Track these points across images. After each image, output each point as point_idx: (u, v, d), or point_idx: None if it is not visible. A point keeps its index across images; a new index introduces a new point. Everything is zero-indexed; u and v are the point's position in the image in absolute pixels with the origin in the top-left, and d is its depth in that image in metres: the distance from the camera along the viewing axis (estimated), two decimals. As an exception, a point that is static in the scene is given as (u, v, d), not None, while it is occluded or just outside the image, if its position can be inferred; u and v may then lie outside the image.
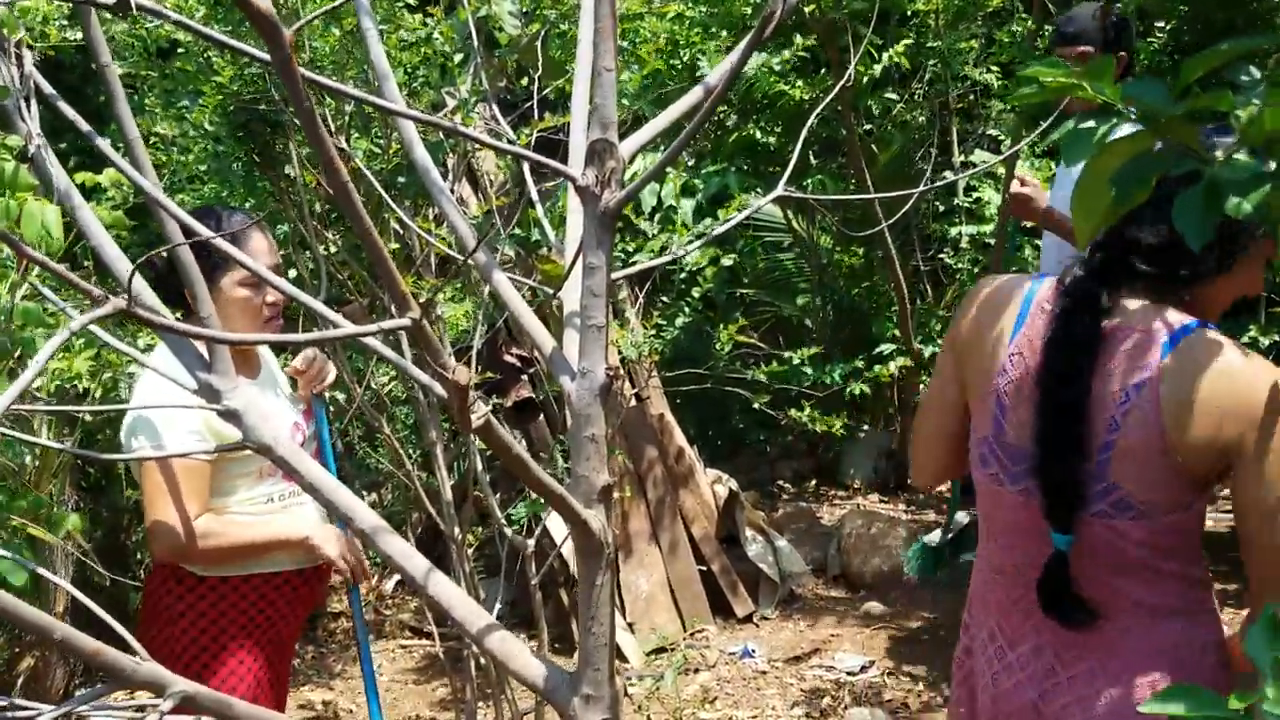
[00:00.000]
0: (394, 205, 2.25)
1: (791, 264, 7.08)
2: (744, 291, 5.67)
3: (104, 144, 1.68)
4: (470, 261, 1.97)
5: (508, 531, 2.89)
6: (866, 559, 4.83)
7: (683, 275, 4.18)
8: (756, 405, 2.62)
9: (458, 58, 2.63)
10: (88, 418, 4.14)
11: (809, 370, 5.12)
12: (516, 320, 1.96)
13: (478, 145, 2.82)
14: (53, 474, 4.11)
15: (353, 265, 2.85)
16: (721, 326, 3.01)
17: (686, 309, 3.35)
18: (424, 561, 1.73)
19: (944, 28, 5.80)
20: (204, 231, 1.44)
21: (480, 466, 2.97)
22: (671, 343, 3.43)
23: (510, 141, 2.78)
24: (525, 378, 3.44)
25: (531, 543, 3.02)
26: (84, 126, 1.63)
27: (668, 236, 3.15)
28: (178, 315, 2.12)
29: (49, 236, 1.78)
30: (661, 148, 4.26)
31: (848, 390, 5.32)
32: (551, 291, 2.14)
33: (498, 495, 3.10)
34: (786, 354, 3.36)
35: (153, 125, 2.64)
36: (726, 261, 3.85)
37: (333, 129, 2.55)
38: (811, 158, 6.77)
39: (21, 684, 3.86)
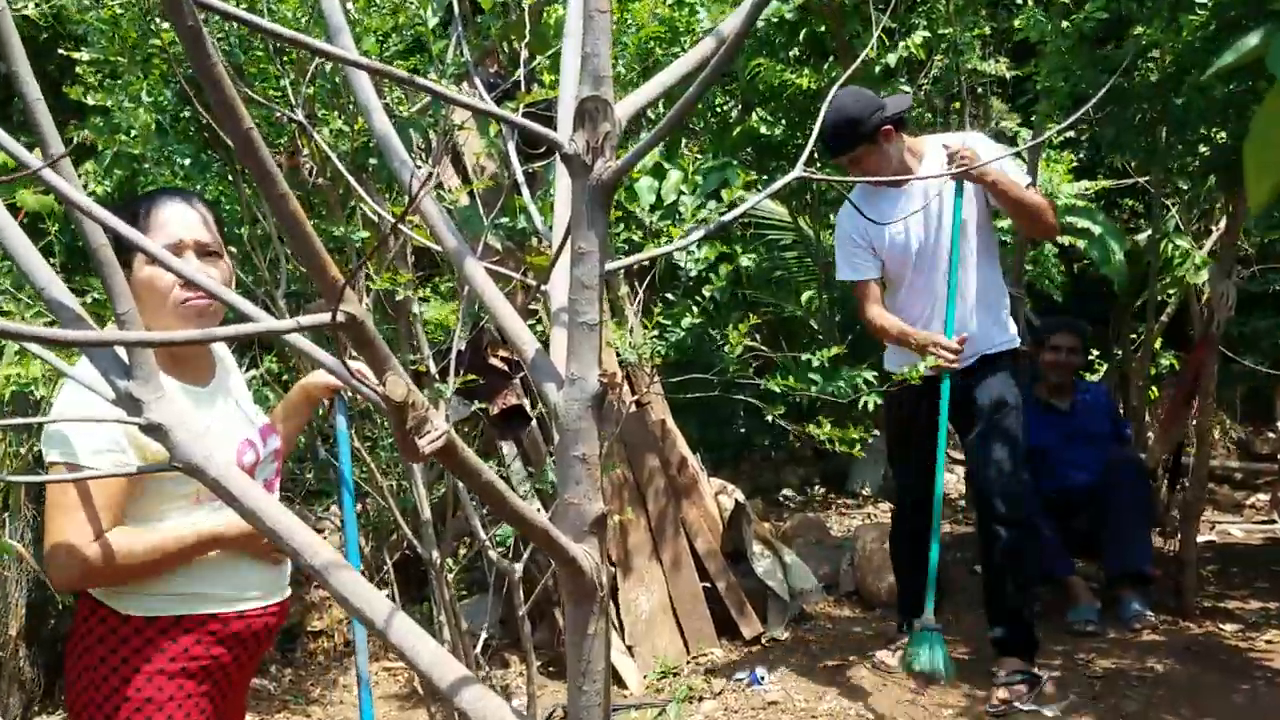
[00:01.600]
0: (360, 189, 1.95)
1: (794, 262, 6.79)
2: (745, 291, 5.35)
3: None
4: (440, 248, 1.67)
5: (493, 554, 2.59)
6: (881, 575, 4.52)
7: (692, 273, 3.89)
8: (771, 418, 2.33)
9: (433, 22, 2.32)
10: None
11: (818, 379, 4.83)
12: (493, 316, 1.67)
13: (451, 109, 2.52)
14: (1, 486, 3.82)
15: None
16: (731, 328, 2.71)
17: (695, 309, 3.04)
18: (384, 603, 1.43)
19: (954, 14, 5.51)
20: (100, 214, 1.14)
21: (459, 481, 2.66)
22: (676, 345, 3.12)
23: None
24: (515, 382, 3.13)
25: (519, 567, 2.72)
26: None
27: (667, 225, 2.85)
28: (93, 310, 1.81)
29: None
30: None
31: (861, 402, 5.03)
32: (537, 284, 1.84)
33: (483, 512, 2.81)
34: (804, 356, 3.04)
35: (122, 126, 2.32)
36: (745, 261, 3.54)
37: (295, 103, 2.24)
38: (808, 151, 6.48)
39: (-31, 715, 3.56)
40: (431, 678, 1.38)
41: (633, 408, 4.08)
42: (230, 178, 2.40)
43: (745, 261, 3.34)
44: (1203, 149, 3.83)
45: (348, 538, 2.12)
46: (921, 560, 3.59)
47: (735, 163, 6.00)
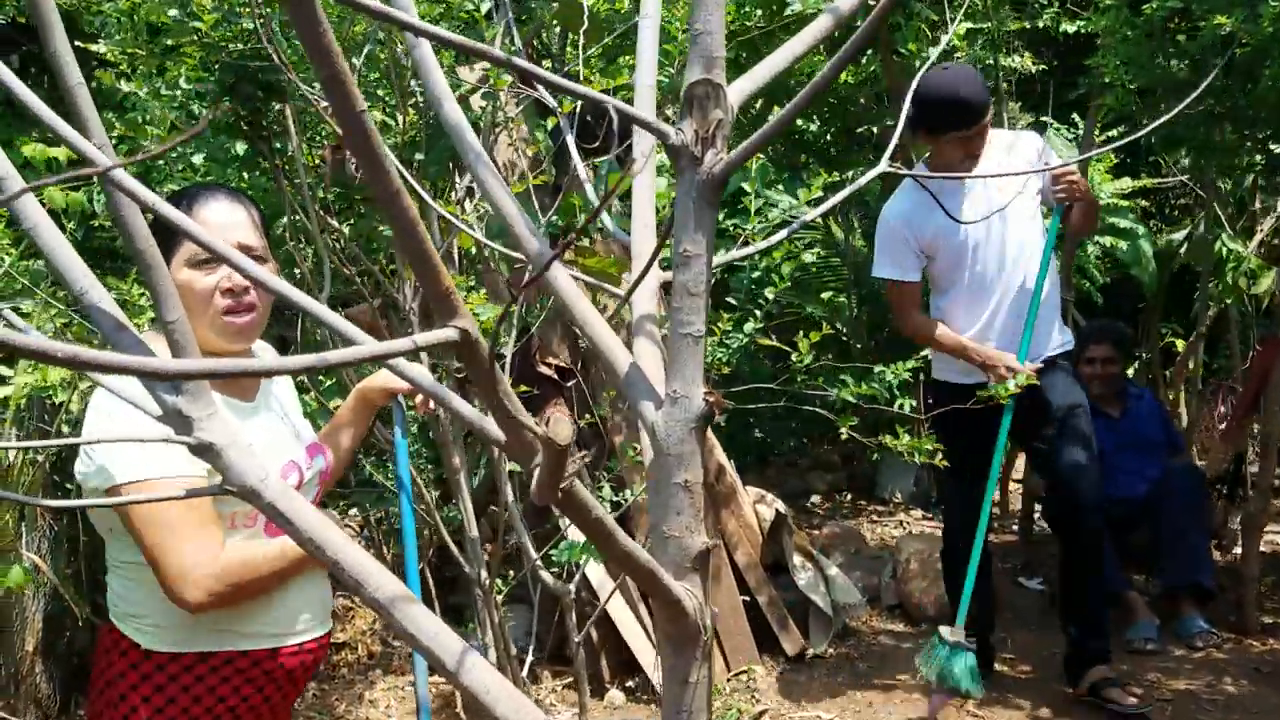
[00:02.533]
0: (416, 184, 1.79)
1: (819, 262, 6.62)
2: (767, 292, 5.17)
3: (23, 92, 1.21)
4: (497, 254, 1.51)
5: (546, 576, 2.43)
6: (928, 588, 4.36)
7: (754, 275, 3.71)
8: (844, 431, 2.17)
9: (485, 6, 2.16)
10: (65, 429, 3.70)
11: (849, 380, 4.66)
12: (583, 328, 1.50)
13: (505, 101, 2.35)
14: (22, 491, 3.66)
15: (363, 260, 2.37)
16: (801, 336, 2.54)
17: (758, 314, 2.87)
18: (456, 642, 1.27)
19: (991, 8, 5.34)
20: (153, 200, 0.98)
21: (512, 497, 2.50)
22: (739, 352, 2.96)
23: (549, 110, 2.32)
24: (560, 394, 2.97)
25: (572, 588, 2.56)
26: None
27: (732, 224, 2.69)
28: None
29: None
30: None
31: (898, 403, 4.86)
32: (615, 291, 1.68)
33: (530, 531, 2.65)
34: (878, 368, 2.87)
35: (142, 118, 2.16)
36: (808, 257, 3.36)
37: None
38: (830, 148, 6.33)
39: (-16, 737, 3.41)
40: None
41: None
42: (271, 172, 2.23)
43: (808, 257, 3.16)
44: (1275, 147, 3.66)
45: (407, 560, 1.96)
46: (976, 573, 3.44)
47: (764, 160, 5.85)
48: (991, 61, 5.65)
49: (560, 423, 0.86)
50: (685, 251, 1.34)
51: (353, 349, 0.81)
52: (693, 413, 1.36)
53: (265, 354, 1.97)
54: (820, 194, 2.93)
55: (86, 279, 1.33)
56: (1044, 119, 5.91)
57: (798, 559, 4.25)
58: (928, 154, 3.44)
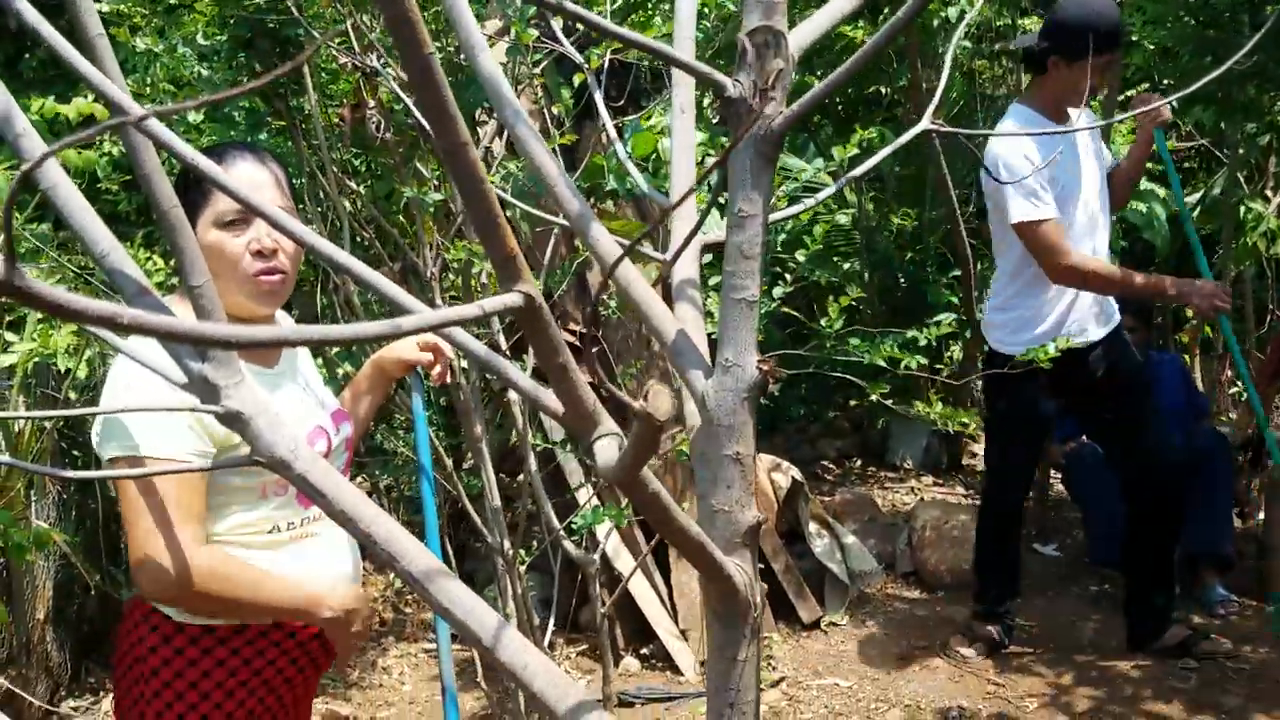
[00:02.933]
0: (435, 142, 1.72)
1: (832, 228, 6.53)
2: (799, 254, 5.09)
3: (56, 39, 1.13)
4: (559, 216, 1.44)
5: (569, 546, 2.38)
6: (944, 555, 4.33)
7: (781, 238, 3.63)
8: (875, 397, 2.12)
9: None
10: (71, 395, 3.64)
11: (854, 341, 4.60)
12: (625, 292, 1.44)
13: (527, 56, 2.26)
14: (30, 459, 3.60)
15: (382, 222, 2.30)
16: (831, 300, 2.48)
17: (787, 279, 2.80)
18: (492, 616, 1.21)
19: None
20: (185, 149, 0.91)
21: (535, 467, 2.45)
22: (765, 318, 2.89)
23: (576, 65, 2.23)
24: (582, 362, 2.90)
25: (597, 558, 2.51)
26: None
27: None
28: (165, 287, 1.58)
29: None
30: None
31: (902, 367, 4.79)
32: (656, 256, 1.61)
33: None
34: (909, 333, 2.80)
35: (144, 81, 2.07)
36: (842, 219, 3.26)
37: (357, 48, 2.00)
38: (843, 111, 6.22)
39: (-2, 703, 3.38)
40: (548, 701, 1.18)
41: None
42: (289, 131, 2.16)
43: (842, 219, 3.03)
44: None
45: (429, 534, 1.91)
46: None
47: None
48: (1009, 21, 5.55)
49: (660, 395, 0.80)
50: (741, 211, 1.27)
51: (423, 315, 0.75)
52: (746, 382, 1.31)
53: (285, 323, 1.91)
54: (856, 152, 2.84)
55: (108, 241, 1.27)
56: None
57: (813, 526, 4.21)
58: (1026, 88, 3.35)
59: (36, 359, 3.40)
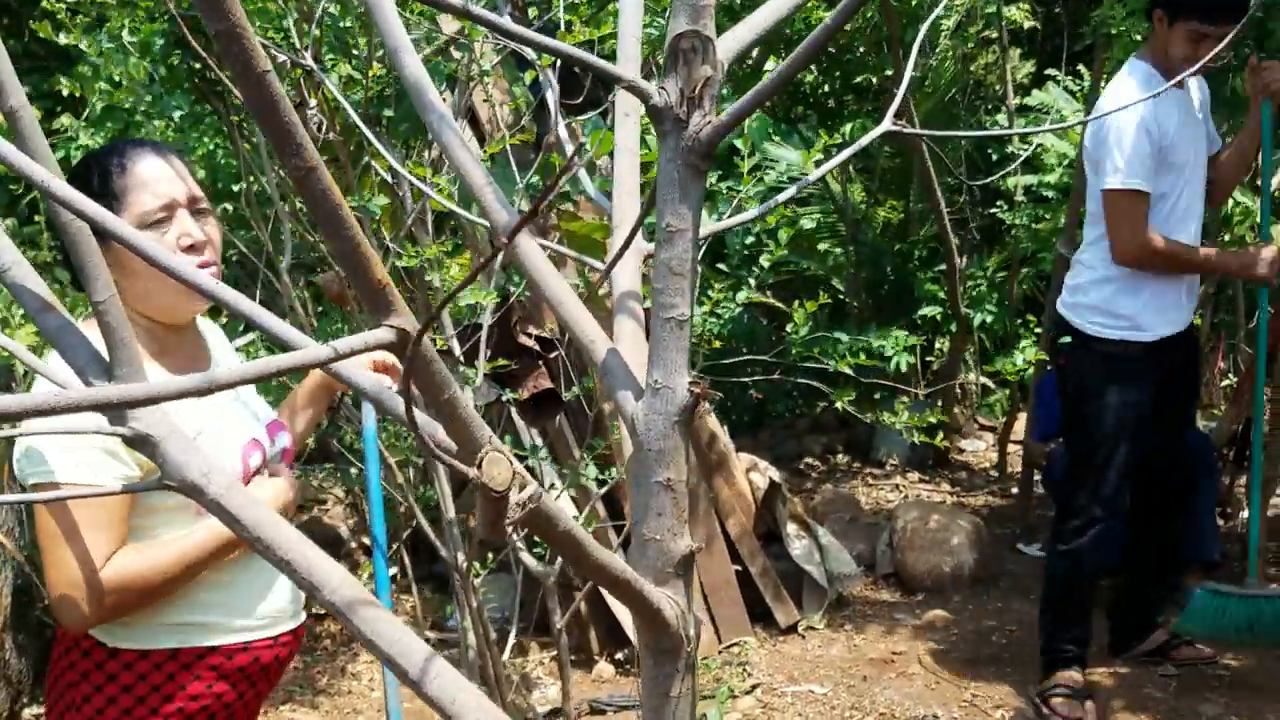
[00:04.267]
0: (379, 145, 1.64)
1: (819, 219, 6.45)
2: (763, 260, 5.00)
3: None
4: (472, 222, 1.36)
5: (528, 559, 2.30)
6: (923, 556, 4.26)
7: (749, 240, 3.54)
8: (840, 405, 2.03)
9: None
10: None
11: (844, 338, 4.52)
12: (555, 308, 1.36)
13: (479, 52, 2.18)
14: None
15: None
16: (796, 305, 2.39)
17: (753, 282, 2.70)
18: (420, 648, 1.14)
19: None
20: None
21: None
22: (731, 322, 2.81)
23: (529, 63, 2.15)
24: (543, 365, 2.83)
25: (555, 569, 2.43)
26: None
27: (724, 186, 2.53)
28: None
29: None
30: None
31: (892, 363, 4.72)
32: (594, 264, 1.53)
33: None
34: (876, 343, 2.71)
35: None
36: (806, 223, 3.15)
37: (299, 44, 1.91)
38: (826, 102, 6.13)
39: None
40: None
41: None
42: (226, 130, 2.07)
43: (807, 222, 2.91)
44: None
45: (376, 561, 1.83)
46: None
47: (761, 115, 5.65)
48: (994, 9, 5.45)
49: (496, 463, 0.72)
50: (669, 226, 1.20)
51: (294, 355, 0.67)
52: (676, 405, 1.23)
53: (211, 333, 1.83)
54: (821, 156, 2.74)
55: (10, 254, 1.19)
56: (1049, 72, 5.72)
57: (792, 528, 4.14)
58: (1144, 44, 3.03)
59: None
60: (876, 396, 4.90)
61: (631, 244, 1.38)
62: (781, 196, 1.50)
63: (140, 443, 1.17)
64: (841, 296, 6.28)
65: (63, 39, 1.87)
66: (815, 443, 6.59)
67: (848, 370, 2.32)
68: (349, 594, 1.12)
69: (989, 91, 6.26)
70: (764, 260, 2.55)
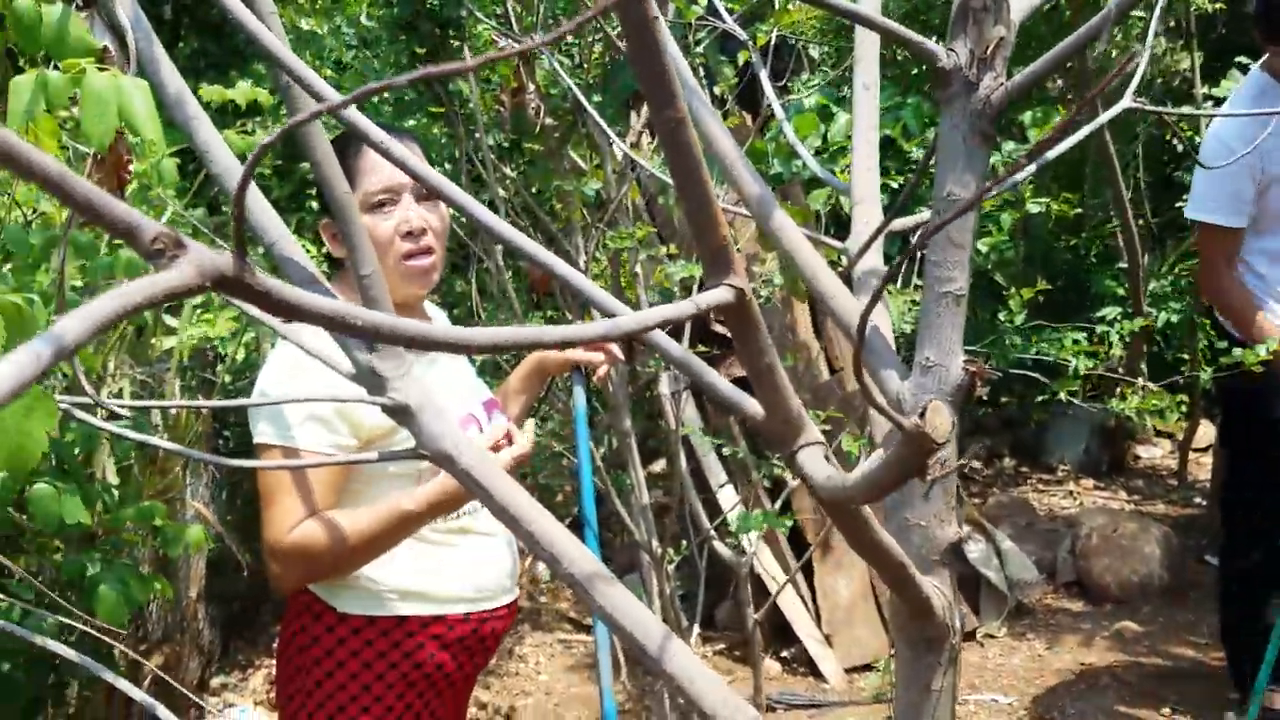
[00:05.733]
0: (601, 122, 1.63)
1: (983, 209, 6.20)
2: (980, 244, 4.79)
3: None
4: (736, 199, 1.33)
5: (722, 549, 2.27)
6: (1111, 565, 4.06)
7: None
8: (1064, 397, 1.92)
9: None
10: (226, 379, 3.71)
11: (1018, 340, 4.31)
12: (810, 282, 1.32)
13: (709, 32, 2.14)
14: (186, 444, 3.69)
15: (535, 210, 2.23)
16: (1014, 292, 2.29)
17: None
18: (658, 627, 1.12)
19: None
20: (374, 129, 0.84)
21: (685, 465, 2.34)
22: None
23: (740, 43, 2.11)
24: (733, 354, 2.80)
25: (746, 560, 2.40)
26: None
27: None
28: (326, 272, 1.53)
29: (144, 142, 1.20)
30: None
31: (1073, 369, 4.49)
32: (833, 244, 1.49)
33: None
34: (1100, 328, 2.58)
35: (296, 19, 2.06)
36: (1033, 208, 2.98)
37: (517, 27, 1.93)
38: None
39: (151, 679, 3.48)
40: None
41: (826, 375, 3.70)
42: (446, 114, 2.11)
43: (1033, 208, 2.72)
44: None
45: (587, 538, 1.83)
46: None
47: (910, 100, 5.42)
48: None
49: (939, 413, 0.68)
50: (951, 195, 1.15)
51: (643, 314, 0.65)
52: (949, 384, 1.18)
53: (438, 318, 1.87)
54: (1050, 133, 2.61)
55: (276, 229, 1.23)
56: (1240, 59, 5.39)
57: (967, 529, 4.00)
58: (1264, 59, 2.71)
59: (199, 344, 3.48)
60: (1039, 399, 4.68)
61: (861, 218, 1.34)
62: (1020, 175, 1.43)
63: (399, 412, 1.19)
64: (1006, 292, 6.05)
65: (305, 24, 1.94)
66: (977, 445, 6.38)
67: (1071, 357, 2.19)
68: (588, 568, 1.11)
69: (1171, 79, 5.94)
70: (981, 245, 2.45)
